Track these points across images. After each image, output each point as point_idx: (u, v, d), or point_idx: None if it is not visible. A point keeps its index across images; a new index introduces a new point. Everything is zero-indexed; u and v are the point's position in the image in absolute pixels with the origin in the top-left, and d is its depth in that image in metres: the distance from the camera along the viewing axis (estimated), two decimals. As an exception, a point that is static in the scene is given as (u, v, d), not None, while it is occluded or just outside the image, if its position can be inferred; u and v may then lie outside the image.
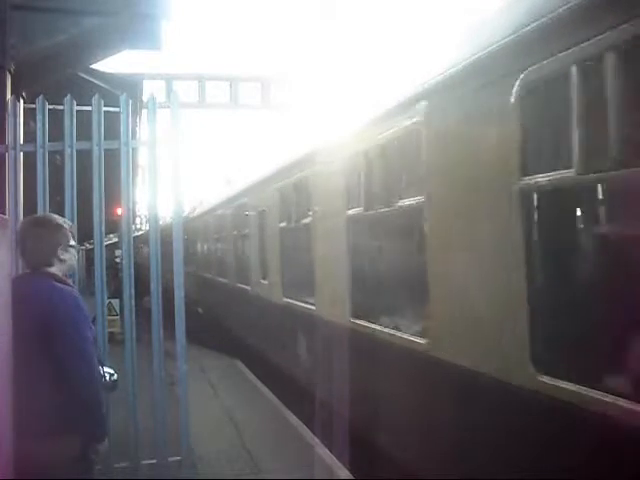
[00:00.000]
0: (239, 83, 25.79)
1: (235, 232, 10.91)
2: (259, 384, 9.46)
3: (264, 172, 8.98)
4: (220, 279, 12.56)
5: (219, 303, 13.17)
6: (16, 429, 2.65)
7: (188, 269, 15.75)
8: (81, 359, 2.97)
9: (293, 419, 7.42)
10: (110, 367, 3.59)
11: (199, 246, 16.05)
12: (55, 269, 3.17)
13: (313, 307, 6.37)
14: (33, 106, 5.16)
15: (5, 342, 2.67)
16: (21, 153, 5.14)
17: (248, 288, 9.75)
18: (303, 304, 6.77)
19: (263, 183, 8.76)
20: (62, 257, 3.21)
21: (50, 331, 2.90)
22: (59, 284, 3.12)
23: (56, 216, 3.42)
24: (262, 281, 8.73)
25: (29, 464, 2.72)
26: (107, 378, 3.39)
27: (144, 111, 5.78)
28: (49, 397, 2.88)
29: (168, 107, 5.21)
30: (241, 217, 10.31)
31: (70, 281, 3.30)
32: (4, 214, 4.50)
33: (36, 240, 3.18)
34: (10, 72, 5.23)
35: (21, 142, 5.15)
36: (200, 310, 15.10)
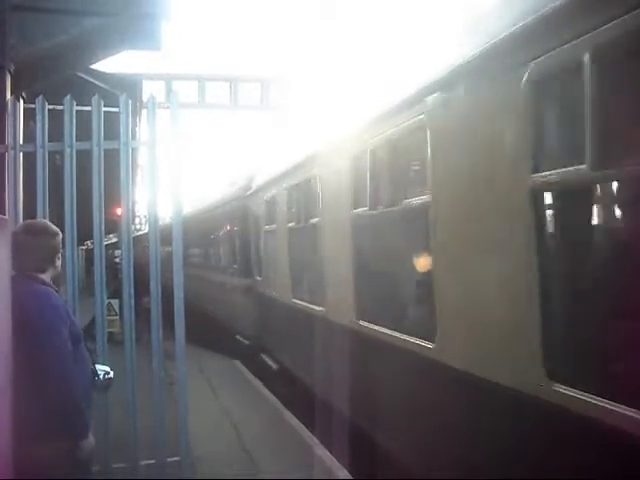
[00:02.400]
0: (239, 84, 25.81)
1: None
2: (258, 384, 9.47)
3: None
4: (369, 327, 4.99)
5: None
6: (5, 430, 2.65)
7: (239, 281, 10.43)
8: (53, 357, 2.97)
9: (292, 420, 7.42)
10: (105, 365, 3.58)
11: (274, 242, 8.18)
12: (46, 275, 3.21)
13: None
14: (33, 106, 5.16)
15: (5, 342, 2.67)
16: (21, 153, 5.14)
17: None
18: None
19: None
20: (57, 264, 3.26)
21: (26, 331, 2.88)
22: (36, 284, 3.13)
23: (50, 223, 3.45)
24: None
25: (17, 466, 2.72)
26: (101, 377, 3.38)
27: (144, 111, 5.77)
28: (31, 398, 2.87)
29: (168, 107, 5.22)
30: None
31: (51, 282, 3.29)
32: (3, 214, 4.50)
33: (34, 248, 3.20)
34: (10, 72, 5.22)
35: (21, 142, 5.15)
36: (274, 366, 8.57)
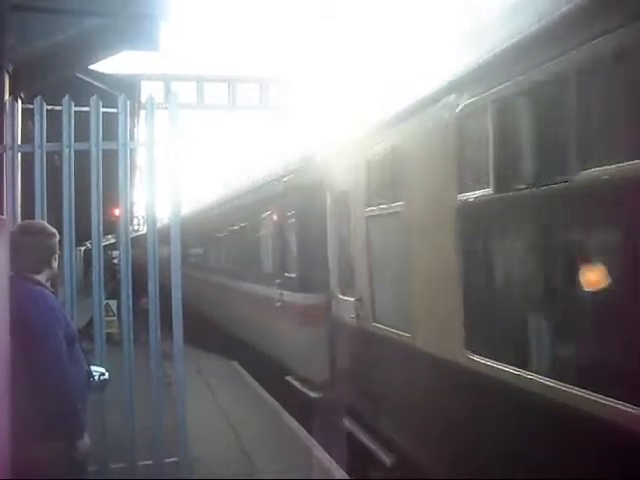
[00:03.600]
0: (237, 84, 25.85)
1: None
2: (256, 385, 9.47)
3: None
4: None
5: None
6: (3, 431, 2.65)
7: (295, 299, 7.24)
8: (50, 359, 2.98)
9: (290, 420, 7.42)
10: (100, 366, 3.58)
11: (396, 235, 4.63)
12: (42, 276, 3.21)
13: None
14: (31, 106, 5.15)
15: (4, 342, 2.67)
16: (19, 154, 5.14)
17: None
18: None
19: None
20: (53, 265, 3.25)
21: (22, 332, 2.87)
22: (31, 285, 3.13)
23: (47, 223, 3.45)
24: None
25: (14, 465, 2.72)
26: (96, 378, 3.38)
27: (142, 112, 5.77)
28: (28, 399, 2.86)
29: (166, 108, 5.22)
30: None
31: (47, 283, 3.30)
32: (2, 215, 4.50)
33: (31, 248, 3.20)
34: (8, 72, 5.22)
35: (19, 143, 5.15)
36: (386, 460, 4.77)
